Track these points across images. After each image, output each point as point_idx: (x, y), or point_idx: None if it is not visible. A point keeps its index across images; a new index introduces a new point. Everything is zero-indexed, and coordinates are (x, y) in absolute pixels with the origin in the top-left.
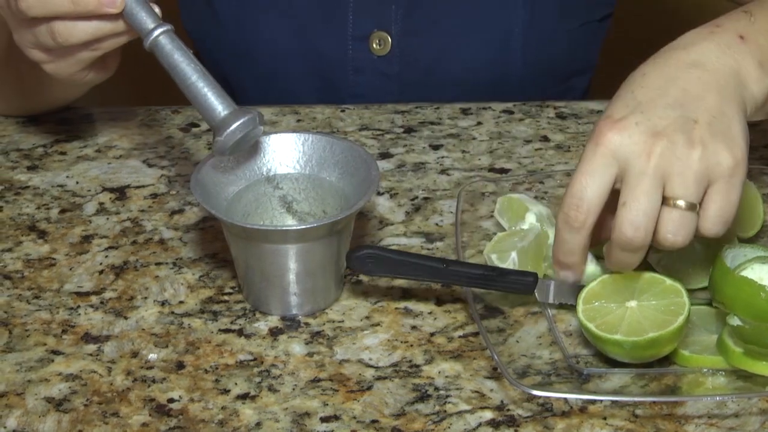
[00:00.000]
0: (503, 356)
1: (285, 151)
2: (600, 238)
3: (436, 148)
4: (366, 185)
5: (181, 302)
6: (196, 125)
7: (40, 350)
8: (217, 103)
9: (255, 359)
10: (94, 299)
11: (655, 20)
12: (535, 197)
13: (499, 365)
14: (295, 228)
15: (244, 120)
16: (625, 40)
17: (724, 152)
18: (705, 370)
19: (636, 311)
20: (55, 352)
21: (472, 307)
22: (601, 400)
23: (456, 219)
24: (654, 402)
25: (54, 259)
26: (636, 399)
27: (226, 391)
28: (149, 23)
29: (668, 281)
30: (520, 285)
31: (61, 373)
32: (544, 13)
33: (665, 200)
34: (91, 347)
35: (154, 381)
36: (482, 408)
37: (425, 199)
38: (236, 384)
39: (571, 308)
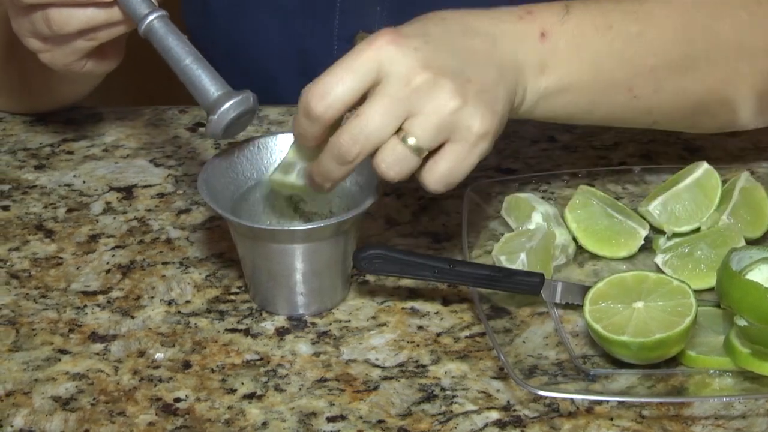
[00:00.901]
0: (510, 356)
1: None
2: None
3: None
4: (372, 185)
5: (187, 302)
6: (203, 125)
7: (47, 349)
8: (210, 84)
9: (261, 359)
10: (100, 298)
11: None
12: (542, 197)
13: (506, 365)
14: (302, 228)
15: (237, 99)
16: None
17: (480, 119)
18: (712, 371)
19: (643, 312)
20: (62, 352)
21: (479, 308)
22: (608, 401)
23: (463, 219)
24: (661, 403)
25: (61, 258)
26: (643, 400)
27: (233, 391)
28: (143, 9)
29: (675, 282)
30: (526, 285)
31: (68, 373)
32: None
33: (398, 131)
34: (98, 346)
35: (160, 380)
36: (489, 408)
37: (432, 199)
38: (243, 384)
39: (578, 309)
